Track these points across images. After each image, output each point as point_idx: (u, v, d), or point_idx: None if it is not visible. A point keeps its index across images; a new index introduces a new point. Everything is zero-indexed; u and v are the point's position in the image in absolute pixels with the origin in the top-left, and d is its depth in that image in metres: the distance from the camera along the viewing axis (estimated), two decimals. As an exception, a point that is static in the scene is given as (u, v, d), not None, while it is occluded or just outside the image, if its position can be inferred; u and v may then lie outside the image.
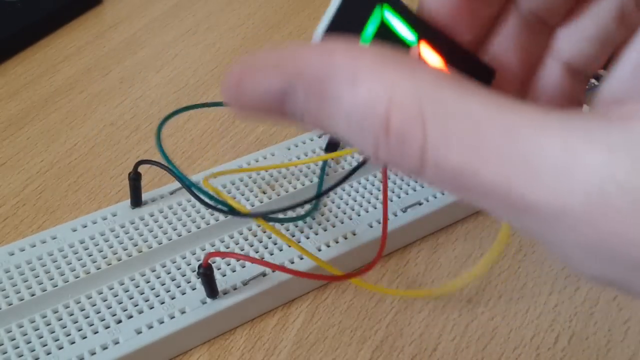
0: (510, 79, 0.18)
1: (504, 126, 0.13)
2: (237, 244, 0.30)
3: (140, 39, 0.48)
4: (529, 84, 0.19)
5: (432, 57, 0.17)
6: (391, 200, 0.33)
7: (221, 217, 0.31)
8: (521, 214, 0.13)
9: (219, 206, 0.29)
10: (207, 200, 0.29)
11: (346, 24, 0.16)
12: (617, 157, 0.12)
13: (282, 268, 0.28)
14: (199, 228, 0.31)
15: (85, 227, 0.31)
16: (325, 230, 0.31)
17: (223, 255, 0.29)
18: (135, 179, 0.31)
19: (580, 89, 0.19)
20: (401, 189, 0.33)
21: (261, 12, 0.50)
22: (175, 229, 0.31)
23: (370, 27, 0.17)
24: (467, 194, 0.13)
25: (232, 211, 0.29)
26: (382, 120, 0.13)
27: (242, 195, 0.33)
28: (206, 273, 0.27)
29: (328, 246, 0.31)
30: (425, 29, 0.17)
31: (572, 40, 0.18)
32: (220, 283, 0.28)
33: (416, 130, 0.13)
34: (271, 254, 0.30)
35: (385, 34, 0.17)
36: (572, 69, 0.19)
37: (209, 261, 0.27)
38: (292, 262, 0.30)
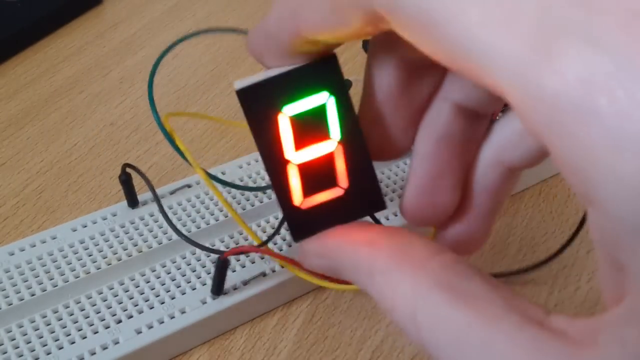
0: (396, 123, 0.19)
1: (483, 339, 0.14)
2: (237, 244, 0.30)
3: (140, 39, 0.48)
4: (420, 123, 0.19)
5: (339, 161, 0.19)
6: (391, 201, 0.33)
7: (221, 217, 0.31)
8: None
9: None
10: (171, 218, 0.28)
11: (279, 89, 0.18)
12: None
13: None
14: (199, 228, 0.31)
15: (85, 227, 0.31)
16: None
17: (251, 250, 0.29)
18: (125, 181, 0.31)
19: (477, 130, 0.19)
20: (401, 189, 0.33)
21: (261, 12, 0.50)
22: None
23: (305, 103, 0.18)
24: None
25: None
26: (390, 315, 0.17)
27: (242, 194, 0.33)
28: (223, 265, 0.27)
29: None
30: (353, 133, 0.19)
31: (461, 82, 0.19)
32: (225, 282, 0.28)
33: (412, 329, 0.16)
34: (271, 254, 0.30)
35: (315, 114, 0.18)
36: (465, 110, 0.19)
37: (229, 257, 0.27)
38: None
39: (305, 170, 0.19)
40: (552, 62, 0.12)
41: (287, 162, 0.19)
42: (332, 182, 0.19)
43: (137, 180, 0.31)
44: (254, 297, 0.29)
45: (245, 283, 0.29)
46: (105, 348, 0.26)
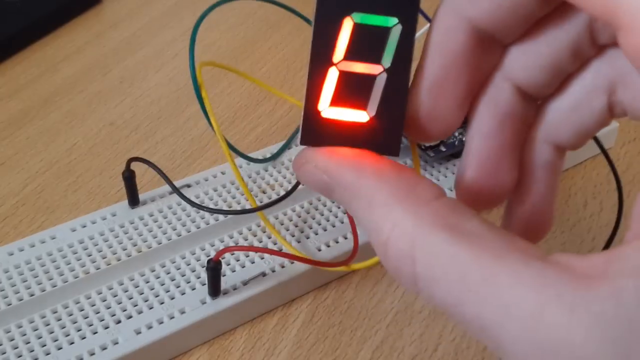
0: (455, 94, 0.19)
1: (486, 275, 0.14)
2: (237, 244, 0.30)
3: (140, 39, 0.48)
4: (478, 99, 0.19)
5: (377, 89, 0.19)
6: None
7: (221, 217, 0.31)
8: (497, 348, 0.14)
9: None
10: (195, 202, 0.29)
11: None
12: (577, 319, 0.13)
13: (301, 259, 0.28)
14: (198, 228, 0.31)
15: (85, 227, 0.31)
16: (325, 230, 0.31)
17: (239, 249, 0.29)
18: (129, 177, 0.31)
19: (529, 111, 0.20)
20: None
21: (261, 12, 0.50)
22: (174, 229, 0.31)
23: (375, 19, 0.18)
24: (453, 319, 0.15)
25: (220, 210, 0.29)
26: (383, 249, 0.16)
27: (243, 194, 0.33)
28: (215, 268, 0.27)
29: (328, 246, 0.31)
30: (402, 69, 0.19)
31: (525, 64, 0.19)
32: (220, 283, 0.28)
33: (407, 267, 0.16)
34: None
35: (378, 33, 0.18)
36: (521, 91, 0.19)
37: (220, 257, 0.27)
38: (292, 263, 0.30)
39: (344, 80, 0.19)
40: None
41: (332, 64, 0.18)
42: (361, 104, 0.19)
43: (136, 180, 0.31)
44: (254, 297, 0.29)
45: (245, 283, 0.29)
46: (104, 348, 0.26)
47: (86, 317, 0.27)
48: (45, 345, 0.26)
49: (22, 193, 0.36)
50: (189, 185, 0.33)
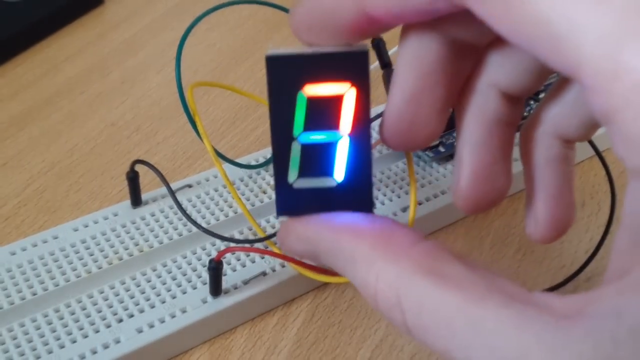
0: (433, 102, 0.19)
1: (470, 319, 0.15)
2: (237, 244, 0.31)
3: (141, 40, 0.48)
4: (463, 108, 0.19)
5: (341, 154, 0.19)
6: (390, 201, 0.33)
7: (222, 217, 0.32)
8: None
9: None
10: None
11: (306, 67, 0.19)
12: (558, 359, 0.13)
13: (302, 264, 0.28)
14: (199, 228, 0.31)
15: (87, 226, 0.31)
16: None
17: (240, 250, 0.29)
18: (133, 178, 0.31)
19: (517, 111, 0.20)
20: (401, 188, 0.34)
21: (261, 13, 0.50)
22: (176, 229, 0.31)
23: (327, 88, 0.19)
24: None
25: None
26: (374, 302, 0.17)
27: (243, 194, 0.33)
28: (217, 267, 0.27)
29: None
30: (362, 131, 0.19)
31: (509, 69, 0.19)
32: (222, 282, 0.29)
33: (397, 316, 0.16)
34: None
35: (332, 101, 0.19)
36: (507, 95, 0.19)
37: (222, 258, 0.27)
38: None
39: (307, 151, 0.19)
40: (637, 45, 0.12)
41: (293, 138, 0.19)
42: (328, 171, 0.19)
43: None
44: (254, 297, 0.29)
45: (246, 282, 0.29)
46: (106, 347, 0.27)
47: (88, 316, 0.28)
48: (47, 344, 0.26)
49: (24, 193, 0.36)
50: (190, 186, 0.33)
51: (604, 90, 0.13)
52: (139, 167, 0.31)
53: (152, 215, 0.32)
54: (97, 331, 0.27)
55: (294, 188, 0.20)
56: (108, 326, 0.27)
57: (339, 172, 0.19)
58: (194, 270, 0.29)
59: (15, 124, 0.40)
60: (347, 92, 0.18)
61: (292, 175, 0.20)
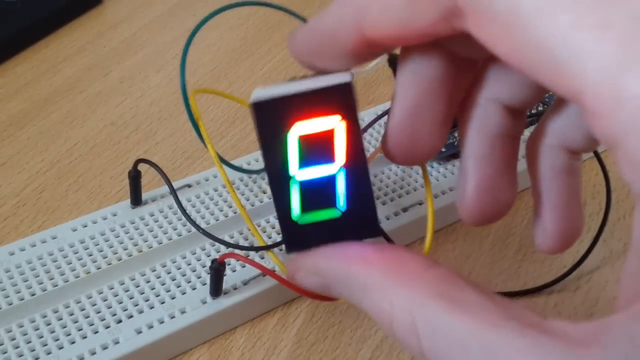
0: (434, 117, 0.19)
1: (485, 345, 0.15)
2: (237, 244, 0.30)
3: (140, 39, 0.48)
4: (466, 122, 0.19)
5: (340, 184, 0.19)
6: (391, 200, 0.33)
7: (221, 217, 0.31)
8: None
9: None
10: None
11: (293, 107, 0.18)
12: None
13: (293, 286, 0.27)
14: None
15: (86, 226, 0.31)
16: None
17: (240, 258, 0.29)
18: (135, 177, 0.31)
19: (519, 122, 0.20)
20: (402, 188, 0.33)
21: (261, 12, 0.50)
22: (175, 229, 0.31)
23: (316, 124, 0.19)
24: None
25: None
26: (390, 330, 0.17)
27: (243, 194, 0.33)
28: (218, 269, 0.27)
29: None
30: (357, 159, 0.19)
31: (510, 84, 0.19)
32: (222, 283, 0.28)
33: (413, 340, 0.16)
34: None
35: (324, 136, 0.19)
36: (509, 108, 0.19)
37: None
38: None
39: (307, 188, 0.19)
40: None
41: (290, 177, 0.19)
42: (331, 202, 0.19)
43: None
44: (254, 297, 0.29)
45: (245, 283, 0.29)
46: (105, 348, 0.26)
47: (87, 317, 0.27)
48: (46, 345, 0.26)
49: (23, 193, 0.36)
50: (189, 186, 0.33)
51: (607, 116, 0.13)
52: (140, 167, 0.31)
53: (151, 215, 0.32)
54: (96, 332, 0.27)
55: (299, 224, 0.20)
56: (107, 327, 0.27)
57: (341, 202, 0.19)
58: (194, 270, 0.29)
59: (15, 124, 0.40)
60: (337, 125, 0.18)
61: (296, 213, 0.20)
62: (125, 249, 0.30)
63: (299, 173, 0.19)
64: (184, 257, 0.30)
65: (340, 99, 0.18)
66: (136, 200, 0.32)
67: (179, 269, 0.29)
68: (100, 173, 0.37)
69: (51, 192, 0.36)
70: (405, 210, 0.32)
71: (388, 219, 0.32)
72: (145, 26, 0.49)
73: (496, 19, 0.14)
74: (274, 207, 0.20)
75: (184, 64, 0.25)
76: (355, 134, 0.19)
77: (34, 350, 0.26)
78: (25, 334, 0.27)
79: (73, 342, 0.26)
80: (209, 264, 0.29)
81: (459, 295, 0.16)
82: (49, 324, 0.27)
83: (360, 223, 0.20)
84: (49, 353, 0.26)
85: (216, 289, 0.28)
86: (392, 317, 0.17)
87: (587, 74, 0.13)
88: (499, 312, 0.15)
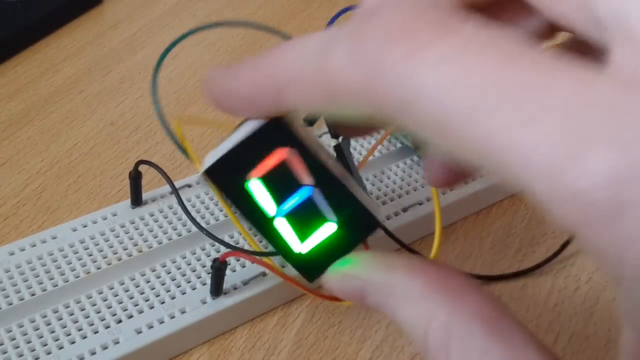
0: None
1: None
2: (237, 244, 0.30)
3: (140, 39, 0.48)
4: None
5: (320, 202, 0.19)
6: (391, 200, 0.33)
7: (221, 217, 0.31)
8: None
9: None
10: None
11: (241, 158, 0.19)
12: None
13: (297, 284, 0.27)
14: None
15: (86, 226, 0.31)
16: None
17: (243, 256, 0.29)
18: (136, 178, 0.31)
19: None
20: (402, 189, 0.33)
21: (261, 12, 0.50)
22: (175, 229, 0.31)
23: (269, 162, 0.19)
24: None
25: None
26: (423, 343, 0.16)
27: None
28: (220, 268, 0.27)
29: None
30: (322, 174, 0.19)
31: None
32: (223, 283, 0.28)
33: (441, 356, 0.16)
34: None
35: (282, 169, 0.19)
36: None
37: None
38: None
39: (293, 218, 0.19)
40: (580, 162, 0.12)
41: (273, 218, 0.19)
42: (321, 220, 0.20)
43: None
44: (254, 297, 0.29)
45: (245, 283, 0.29)
46: (105, 348, 0.26)
47: (87, 317, 0.27)
48: (46, 345, 0.26)
49: (23, 193, 0.36)
50: (189, 186, 0.33)
51: (557, 209, 0.13)
52: (141, 167, 0.31)
53: (151, 215, 0.32)
54: (96, 332, 0.27)
55: (306, 255, 0.20)
56: (107, 327, 0.27)
57: (331, 216, 0.20)
58: (193, 270, 0.29)
59: (14, 124, 0.40)
60: (287, 155, 0.19)
61: (297, 245, 0.20)
62: (125, 249, 0.30)
63: (279, 210, 0.19)
64: (184, 257, 0.30)
65: (280, 131, 0.18)
66: (136, 200, 0.32)
67: (179, 269, 0.29)
68: (100, 173, 0.37)
69: (51, 192, 0.36)
70: (405, 210, 0.32)
71: (388, 219, 0.32)
72: (145, 26, 0.49)
73: (427, 125, 0.14)
74: (277, 251, 0.20)
75: (156, 90, 0.25)
76: (309, 154, 0.19)
77: (34, 350, 0.26)
78: (25, 334, 0.27)
79: (73, 342, 0.26)
80: (209, 264, 0.29)
81: (501, 321, 0.16)
82: (49, 324, 0.27)
83: (359, 223, 0.20)
84: (49, 353, 0.26)
85: (217, 289, 0.28)
86: (427, 331, 0.16)
87: (526, 171, 0.13)
88: (537, 348, 0.15)
